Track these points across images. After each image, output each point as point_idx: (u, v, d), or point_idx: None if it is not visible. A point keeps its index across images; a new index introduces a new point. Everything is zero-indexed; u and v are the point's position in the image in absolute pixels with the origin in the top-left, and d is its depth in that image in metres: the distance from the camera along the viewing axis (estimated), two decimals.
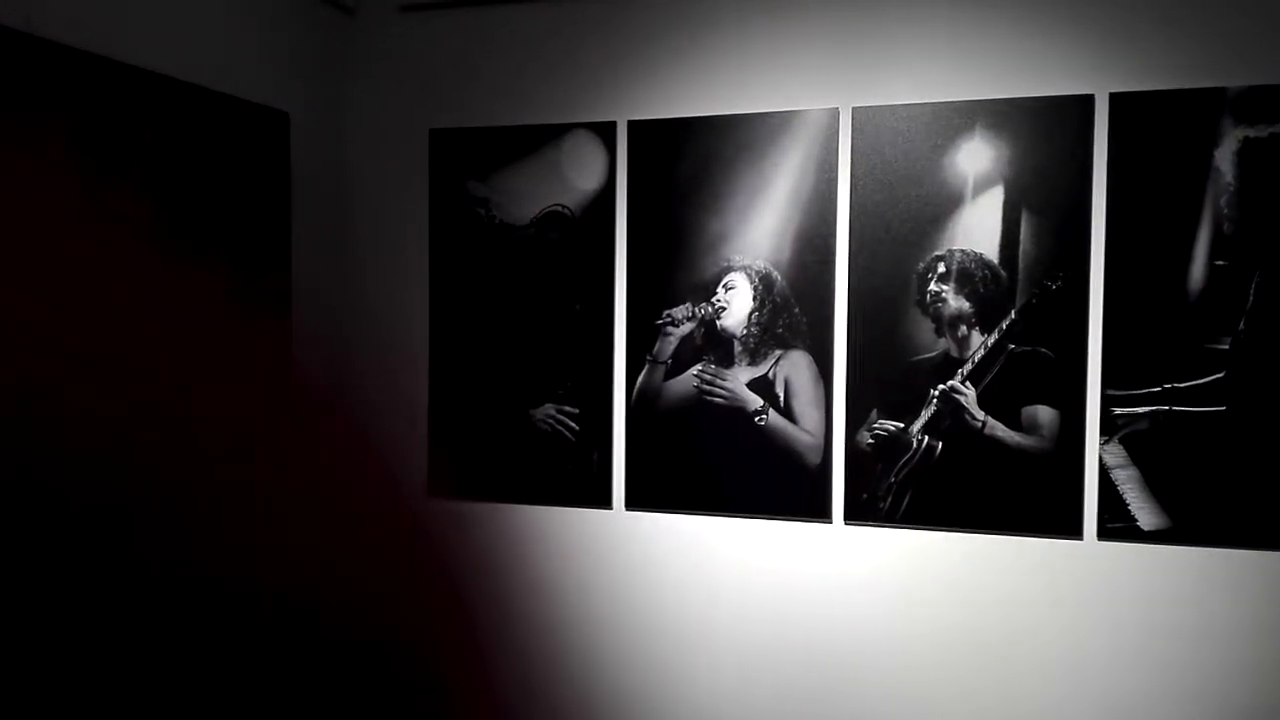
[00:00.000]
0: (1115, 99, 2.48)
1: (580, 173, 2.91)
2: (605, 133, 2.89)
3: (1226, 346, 2.43)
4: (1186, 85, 2.44)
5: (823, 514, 2.74)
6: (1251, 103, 2.40)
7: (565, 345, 2.95)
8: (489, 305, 3.01)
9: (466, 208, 3.01)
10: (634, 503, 2.89)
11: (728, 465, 2.82)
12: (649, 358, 2.87)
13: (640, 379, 2.88)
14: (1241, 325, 2.43)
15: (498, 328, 3.00)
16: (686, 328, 2.85)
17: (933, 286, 2.62)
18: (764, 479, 2.79)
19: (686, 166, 2.82)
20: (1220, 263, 2.43)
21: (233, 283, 2.61)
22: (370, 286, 3.10)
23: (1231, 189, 2.42)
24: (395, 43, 3.08)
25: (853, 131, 2.68)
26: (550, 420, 2.96)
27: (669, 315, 2.86)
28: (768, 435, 2.78)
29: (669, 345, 2.86)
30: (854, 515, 2.72)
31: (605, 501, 2.91)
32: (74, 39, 2.11)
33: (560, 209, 2.94)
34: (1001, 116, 2.56)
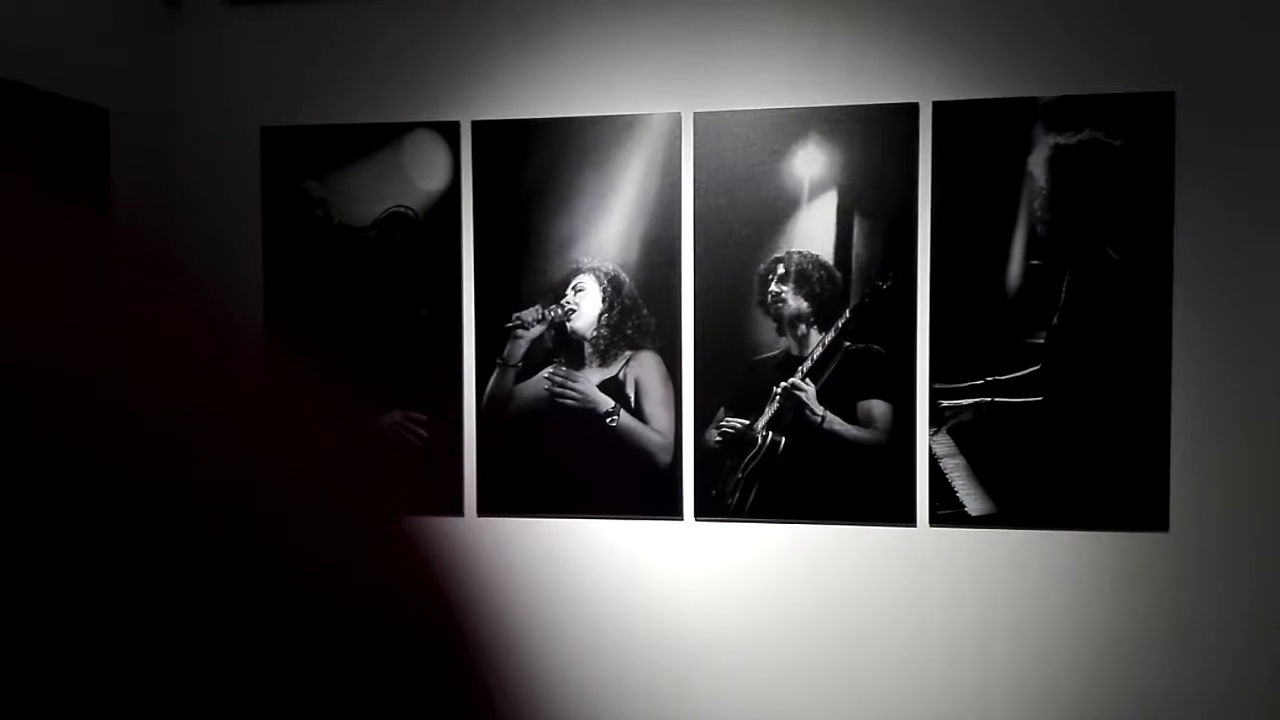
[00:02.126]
0: (938, 107, 2.61)
1: (423, 173, 2.86)
2: (449, 132, 2.84)
3: (1042, 340, 2.59)
4: (1002, 95, 2.59)
5: (674, 512, 2.78)
6: (1061, 112, 2.57)
7: (412, 350, 2.89)
8: (329, 310, 2.92)
9: (303, 209, 2.91)
10: (486, 509, 2.86)
11: (581, 467, 2.82)
12: (499, 361, 2.85)
13: (490, 383, 2.85)
14: (1055, 320, 2.59)
15: (339, 333, 2.92)
16: (537, 330, 2.84)
17: (773, 287, 2.70)
18: (617, 479, 2.81)
19: (533, 168, 2.80)
20: (1035, 262, 2.59)
21: (46, 287, 2.44)
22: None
23: (1044, 193, 2.58)
24: (224, 36, 2.95)
25: (695, 136, 2.72)
26: (398, 427, 2.89)
27: (519, 318, 2.84)
28: (619, 436, 2.80)
29: (519, 348, 2.84)
30: (704, 511, 2.77)
31: (456, 508, 2.87)
32: None
33: (403, 210, 2.88)
34: (834, 124, 2.65)
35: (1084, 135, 2.56)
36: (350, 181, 2.88)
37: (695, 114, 2.72)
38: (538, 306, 2.83)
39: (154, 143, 2.88)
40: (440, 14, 2.85)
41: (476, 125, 2.83)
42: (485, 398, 2.85)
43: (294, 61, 2.92)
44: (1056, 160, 2.57)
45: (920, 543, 2.67)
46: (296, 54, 2.92)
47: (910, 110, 2.62)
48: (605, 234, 2.78)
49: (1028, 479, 2.61)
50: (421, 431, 2.88)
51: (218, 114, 2.95)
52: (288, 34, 2.92)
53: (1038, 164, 2.58)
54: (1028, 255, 2.59)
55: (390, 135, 2.86)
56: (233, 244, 2.94)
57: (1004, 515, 2.63)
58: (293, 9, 2.91)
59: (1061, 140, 2.57)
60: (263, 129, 2.91)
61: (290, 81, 2.92)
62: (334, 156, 2.89)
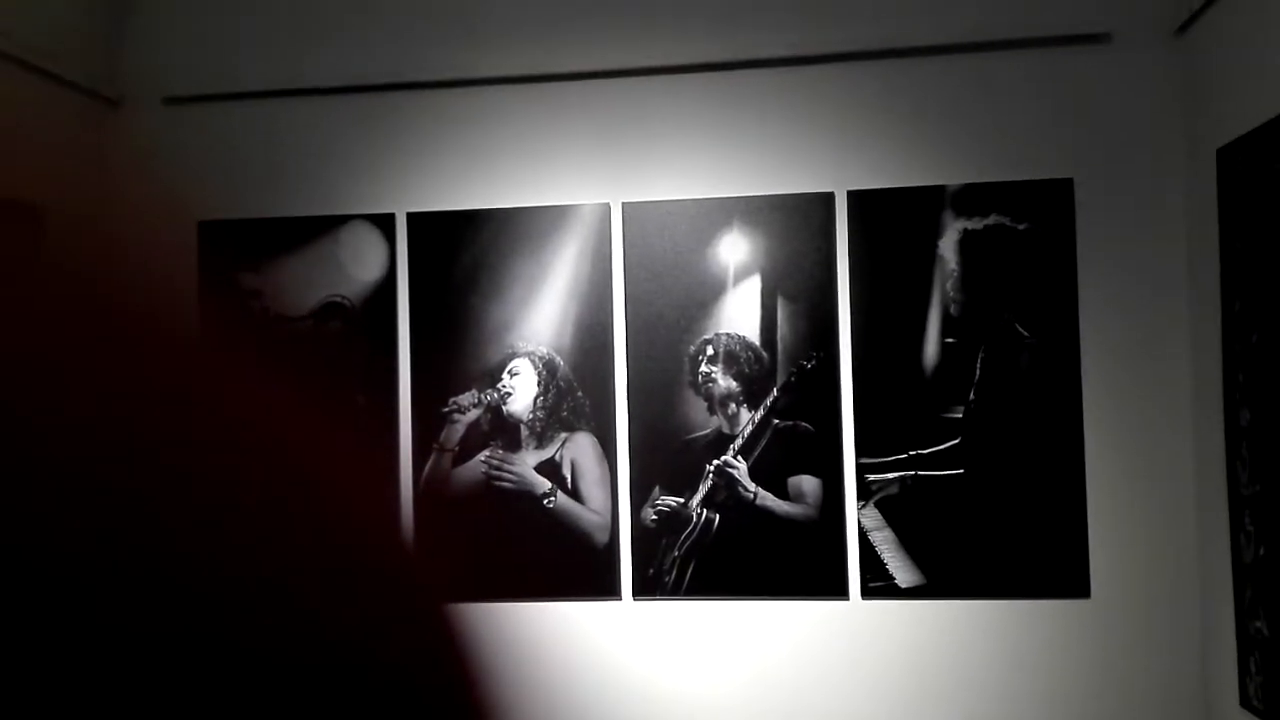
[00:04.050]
0: (852, 196, 2.75)
1: (359, 263, 2.92)
2: (384, 224, 2.91)
3: (960, 415, 2.70)
4: (912, 184, 2.74)
5: (613, 591, 2.81)
6: (968, 199, 2.72)
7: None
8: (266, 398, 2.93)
9: (239, 300, 2.95)
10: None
11: (519, 549, 2.84)
12: (436, 446, 2.88)
13: (428, 467, 2.88)
14: (971, 395, 2.70)
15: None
16: (473, 414, 2.88)
17: (703, 368, 2.78)
18: (555, 561, 2.83)
19: (468, 257, 2.88)
20: (950, 340, 2.71)
21: None
22: None
23: (955, 274, 2.72)
24: (162, 134, 3.01)
25: (623, 225, 2.83)
26: None
27: (455, 403, 2.88)
28: (557, 517, 2.83)
29: (456, 432, 2.88)
30: (642, 590, 2.80)
31: None
32: None
33: (339, 299, 2.93)
34: (755, 212, 2.78)
35: (990, 220, 2.71)
36: (285, 273, 2.93)
37: (624, 204, 2.83)
38: (474, 391, 2.88)
39: (90, 239, 2.90)
40: (375, 109, 2.94)
41: (412, 216, 2.91)
42: (422, 482, 2.87)
43: (230, 157, 2.99)
44: (966, 244, 2.71)
45: (853, 615, 2.72)
46: (233, 150, 2.99)
47: (827, 199, 2.76)
48: (539, 319, 2.85)
49: (954, 550, 2.69)
50: None
51: (156, 209, 2.99)
52: (224, 131, 2.99)
53: (948, 247, 2.72)
54: (943, 333, 2.71)
55: (326, 227, 2.93)
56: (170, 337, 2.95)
57: (933, 586, 2.69)
58: (229, 106, 2.99)
59: (969, 225, 2.72)
60: (200, 223, 2.96)
61: (227, 177, 2.98)
62: (269, 248, 2.94)
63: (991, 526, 2.67)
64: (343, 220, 2.92)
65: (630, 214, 2.82)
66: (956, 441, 2.69)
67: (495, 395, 2.87)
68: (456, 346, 2.88)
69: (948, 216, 2.72)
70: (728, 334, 2.78)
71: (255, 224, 2.95)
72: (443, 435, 2.88)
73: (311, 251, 2.93)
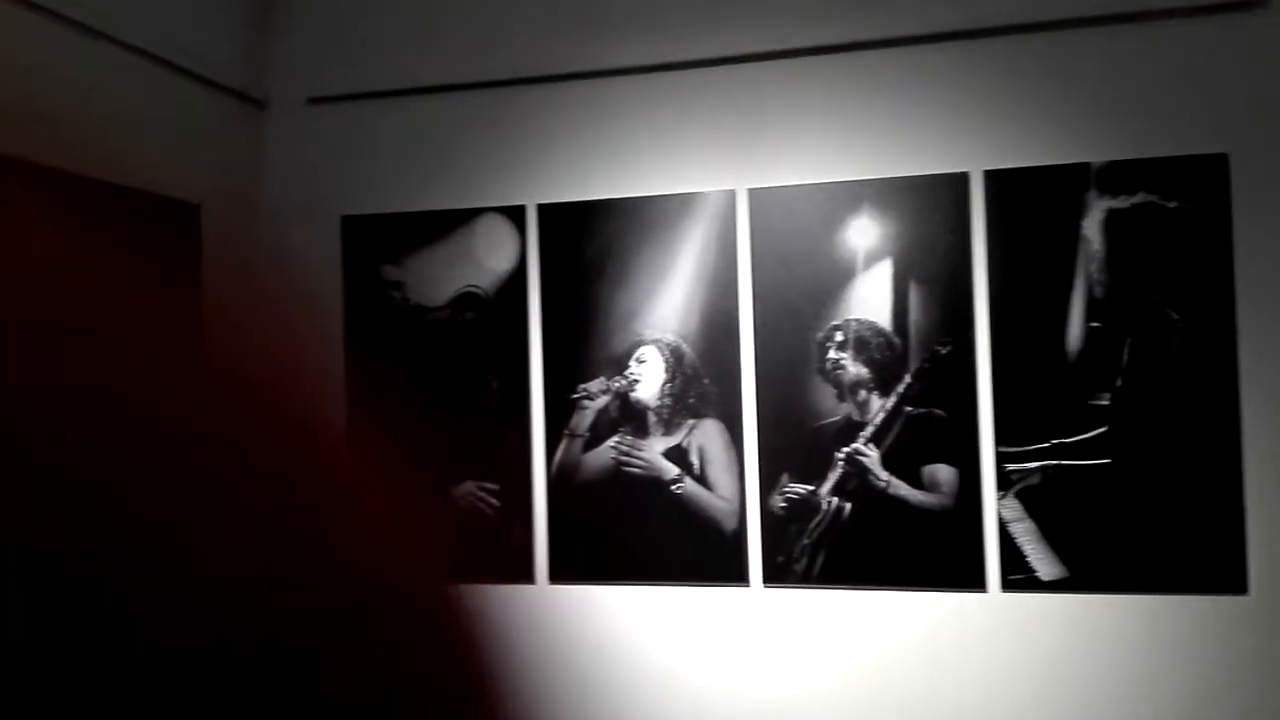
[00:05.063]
0: (988, 176, 2.66)
1: (492, 254, 3.00)
2: (515, 216, 2.98)
3: (1107, 402, 2.59)
4: (1053, 162, 2.64)
5: (741, 578, 2.81)
6: (1113, 177, 2.60)
7: (483, 422, 2.99)
8: (406, 385, 3.05)
9: (380, 291, 3.07)
10: (557, 576, 2.92)
11: (648, 534, 2.87)
12: (566, 431, 2.93)
13: (559, 453, 2.94)
14: (1119, 382, 2.59)
15: (415, 407, 3.04)
16: (602, 401, 2.92)
17: (832, 354, 2.75)
18: (684, 546, 2.85)
19: (595, 246, 2.92)
20: (1095, 324, 2.60)
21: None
22: None
23: (1100, 256, 2.60)
24: (306, 133, 3.15)
25: (750, 211, 2.81)
26: (471, 497, 2.99)
27: (584, 389, 2.93)
28: (685, 503, 2.85)
29: (586, 418, 2.93)
30: (772, 578, 2.79)
31: (528, 576, 2.94)
32: None
33: (474, 289, 3.01)
34: (885, 195, 2.72)
35: (1138, 199, 2.59)
36: (425, 264, 3.04)
37: (749, 190, 2.82)
38: (602, 378, 2.92)
39: (242, 233, 3.08)
40: (505, 105, 3.01)
41: (542, 208, 2.97)
42: (554, 467, 2.93)
43: (371, 154, 3.11)
44: (1111, 223, 2.60)
45: (992, 608, 2.65)
46: (373, 147, 3.11)
47: (961, 180, 2.68)
48: (666, 307, 2.87)
49: (1100, 542, 2.58)
50: (494, 501, 2.97)
51: (302, 205, 3.14)
52: (364, 129, 3.12)
53: (1092, 227, 2.61)
54: (1087, 317, 2.60)
55: (461, 220, 3.02)
56: (317, 326, 3.10)
57: (1077, 579, 2.60)
58: (368, 106, 3.11)
59: (1115, 204, 2.60)
60: (343, 218, 3.09)
61: (368, 172, 3.10)
62: (408, 241, 3.05)
63: (1141, 518, 2.56)
64: (477, 213, 3.01)
65: (756, 200, 2.81)
66: (1104, 430, 2.58)
67: (623, 382, 2.90)
68: (585, 334, 2.93)
69: (1092, 195, 2.61)
70: (857, 320, 2.73)
71: (395, 218, 3.06)
72: (573, 421, 2.93)
73: (448, 244, 3.02)
